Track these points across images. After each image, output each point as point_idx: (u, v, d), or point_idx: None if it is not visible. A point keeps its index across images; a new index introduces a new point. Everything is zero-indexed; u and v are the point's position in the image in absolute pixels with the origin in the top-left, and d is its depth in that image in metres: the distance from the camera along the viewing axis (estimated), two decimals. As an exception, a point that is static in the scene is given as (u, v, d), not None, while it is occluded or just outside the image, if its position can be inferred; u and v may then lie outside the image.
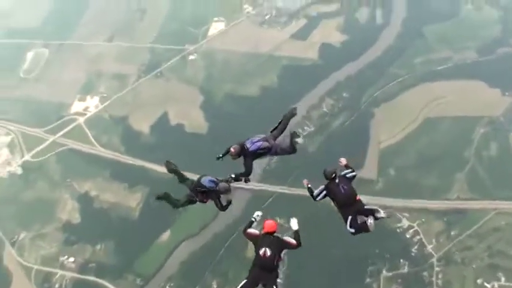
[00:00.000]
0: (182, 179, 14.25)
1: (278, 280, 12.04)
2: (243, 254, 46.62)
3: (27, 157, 59.13)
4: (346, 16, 61.72)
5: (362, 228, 13.05)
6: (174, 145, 53.16)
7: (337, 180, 13.17)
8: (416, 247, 46.58)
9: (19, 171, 58.35)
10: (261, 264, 11.96)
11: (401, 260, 46.08)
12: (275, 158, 47.90)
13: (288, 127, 15.01)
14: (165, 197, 14.14)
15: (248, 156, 13.71)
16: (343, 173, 13.70)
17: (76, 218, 53.45)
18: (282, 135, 14.70)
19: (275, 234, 12.49)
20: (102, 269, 49.92)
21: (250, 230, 12.90)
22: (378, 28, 61.79)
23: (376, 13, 63.26)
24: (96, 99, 62.11)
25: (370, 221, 12.87)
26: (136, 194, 53.00)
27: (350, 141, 52.45)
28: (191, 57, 62.91)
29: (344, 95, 56.12)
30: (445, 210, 47.82)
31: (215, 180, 13.56)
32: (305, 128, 54.04)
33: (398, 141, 52.62)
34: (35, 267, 51.42)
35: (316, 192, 13.55)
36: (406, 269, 45.64)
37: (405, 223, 47.77)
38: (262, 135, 13.96)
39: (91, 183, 54.51)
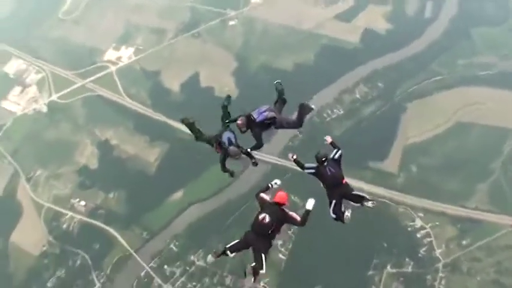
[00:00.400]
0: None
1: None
2: (248, 223, 46.69)
3: (54, 97, 59.79)
4: (394, 5, 61.49)
5: (340, 218, 13.58)
6: (200, 107, 51.96)
7: (325, 163, 13.50)
8: (424, 249, 45.80)
9: (44, 109, 59.07)
10: (256, 228, 12.20)
11: (407, 259, 45.39)
12: (300, 135, 48.16)
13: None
14: (190, 124, 14.21)
15: (256, 127, 13.78)
16: (331, 155, 13.96)
17: (93, 164, 53.95)
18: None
19: (283, 207, 12.67)
20: (111, 217, 50.45)
21: (263, 195, 12.99)
22: (425, 22, 59.98)
23: (425, 6, 61.45)
24: (131, 50, 62.13)
25: (347, 213, 13.43)
26: (156, 149, 53.16)
27: (377, 131, 51.69)
28: (231, 22, 61.62)
29: (379, 84, 54.83)
30: (461, 218, 46.77)
31: (232, 140, 13.64)
32: (334, 110, 53.33)
33: (425, 140, 51.26)
34: (46, 205, 52.20)
35: (307, 165, 13.97)
36: (410, 269, 44.98)
37: (418, 223, 46.96)
38: (267, 106, 14.07)
39: (113, 132, 54.80)
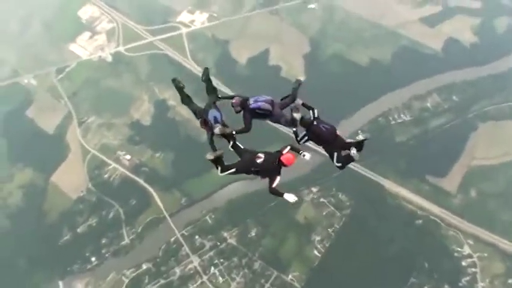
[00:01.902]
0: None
1: None
2: (292, 214, 46.52)
3: (121, 48, 60.09)
4: (484, 18, 57.85)
5: (348, 160, 13.33)
6: (264, 84, 51.33)
7: (315, 123, 13.43)
8: (467, 279, 43.71)
9: (109, 59, 59.50)
10: (245, 158, 12.71)
11: (446, 286, 43.45)
12: (361, 133, 46.28)
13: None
14: (179, 87, 14.10)
15: (247, 111, 13.63)
16: (312, 115, 13.76)
17: (146, 120, 53.99)
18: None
19: (283, 166, 12.55)
20: (153, 176, 50.38)
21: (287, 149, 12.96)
22: (513, 42, 56.45)
23: (516, 26, 57.90)
24: (205, 16, 61.74)
25: (353, 151, 13.08)
26: (211, 117, 51.40)
27: (442, 145, 49.53)
28: (311, 5, 60.25)
29: (454, 97, 52.48)
30: (512, 254, 43.78)
31: (218, 119, 13.34)
32: (401, 115, 51.37)
33: (492, 165, 48.67)
34: (93, 152, 52.74)
35: (300, 136, 13.72)
36: None
37: (466, 250, 44.73)
38: (269, 98, 13.82)
39: (172, 93, 53.87)
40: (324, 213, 46.66)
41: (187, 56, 57.60)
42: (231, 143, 13.37)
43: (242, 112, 13.64)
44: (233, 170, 12.64)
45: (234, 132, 13.45)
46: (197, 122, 13.89)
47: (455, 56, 55.07)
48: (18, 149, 53.99)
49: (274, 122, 14.19)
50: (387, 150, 48.81)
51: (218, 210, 47.40)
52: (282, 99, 14.01)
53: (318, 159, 46.61)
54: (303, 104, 13.91)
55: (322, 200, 47.26)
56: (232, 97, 13.83)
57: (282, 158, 12.29)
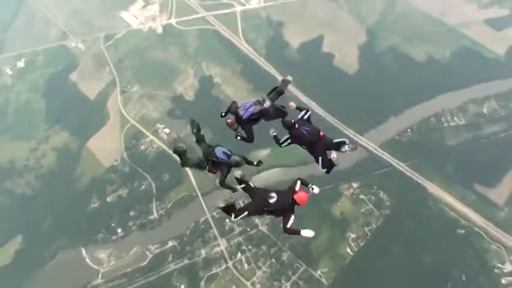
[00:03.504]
0: (200, 140, 14.36)
1: None
2: (328, 207, 45.17)
3: (172, 21, 59.49)
4: (557, 28, 55.22)
5: (331, 165, 13.25)
6: (315, 71, 50.94)
7: (296, 126, 13.43)
8: None
9: (159, 30, 59.04)
10: (258, 198, 12.54)
11: None
12: (409, 132, 45.38)
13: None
14: (180, 153, 14.05)
15: (244, 123, 13.97)
16: (299, 116, 13.94)
17: (190, 96, 53.29)
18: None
19: (296, 205, 12.30)
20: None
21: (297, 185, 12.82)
22: None
23: None
24: (262, -5, 60.33)
25: (332, 155, 13.04)
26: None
27: (494, 154, 46.89)
28: (373, -5, 58.17)
29: None
30: (555, 277, 41.87)
31: (228, 153, 13.59)
32: (455, 118, 48.91)
33: (544, 180, 46.06)
34: (132, 122, 52.30)
35: (282, 139, 13.90)
36: None
37: (508, 267, 42.11)
38: (253, 101, 14.11)
39: (219, 70, 53.97)
40: (362, 211, 44.99)
41: (239, 34, 56.52)
42: (243, 185, 13.16)
43: (240, 128, 14.03)
44: (246, 213, 12.51)
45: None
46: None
47: (518, 63, 52.31)
48: (57, 111, 54.23)
49: (269, 120, 14.29)
50: (435, 153, 46.82)
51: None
52: (268, 94, 14.27)
53: (361, 153, 45.15)
54: (297, 108, 14.20)
55: (362, 196, 45.62)
56: (230, 107, 14.59)
57: (295, 197, 12.07)
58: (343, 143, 13.22)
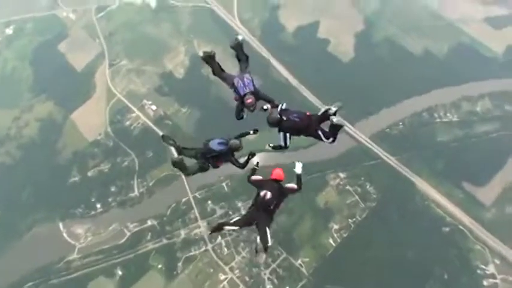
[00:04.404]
0: (181, 151, 13.82)
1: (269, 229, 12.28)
2: (313, 196, 44.97)
3: None
4: (556, 30, 54.75)
5: (335, 130, 12.83)
6: (309, 56, 50.44)
7: (284, 118, 12.97)
8: None
9: (153, 4, 57.71)
10: (259, 205, 12.49)
11: None
12: (401, 125, 45.72)
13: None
14: (178, 163, 13.28)
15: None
16: (279, 109, 13.42)
17: (179, 73, 52.28)
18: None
19: (280, 182, 12.93)
20: (176, 131, 48.16)
21: (254, 177, 13.36)
22: None
23: None
24: (256, -22, 59.33)
25: (334, 119, 12.59)
26: (246, 81, 49.21)
27: (485, 154, 46.42)
28: (371, -16, 57.69)
29: (506, 107, 49.10)
30: (540, 284, 41.59)
31: (223, 141, 13.30)
32: (448, 114, 48.43)
33: (535, 185, 45.66)
34: (118, 95, 51.30)
35: (282, 143, 13.40)
36: None
37: (490, 269, 41.65)
38: (236, 96, 13.73)
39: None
40: (347, 202, 44.27)
41: (234, 14, 55.46)
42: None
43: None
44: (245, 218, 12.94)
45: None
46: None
47: (516, 64, 51.84)
48: (43, 81, 53.08)
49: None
50: (426, 148, 46.31)
51: (236, 178, 44.87)
52: (240, 68, 14.00)
53: (350, 144, 44.56)
54: (272, 106, 13.68)
55: (348, 187, 44.85)
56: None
57: (274, 178, 12.94)
58: (327, 110, 12.89)
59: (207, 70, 46.22)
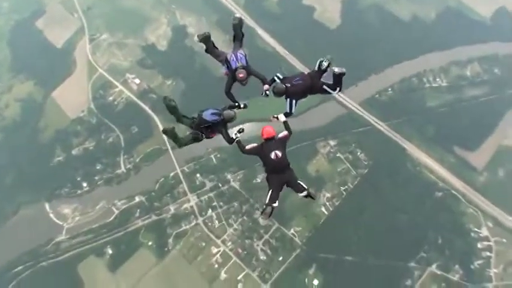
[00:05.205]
0: (180, 119, 13.69)
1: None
2: (304, 164, 44.64)
3: None
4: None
5: (338, 78, 12.92)
6: (295, 24, 49.49)
7: (288, 85, 13.06)
8: (480, 262, 40.88)
9: None
10: (275, 167, 12.56)
11: (457, 266, 40.66)
12: (390, 91, 45.69)
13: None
14: (171, 134, 13.33)
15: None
16: (278, 80, 13.46)
17: (162, 45, 51.08)
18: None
19: (274, 138, 13.01)
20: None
21: (248, 146, 13.27)
22: None
23: None
24: None
25: (335, 69, 12.74)
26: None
27: (475, 118, 46.38)
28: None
29: (495, 70, 48.94)
30: (533, 243, 41.61)
31: (217, 111, 13.26)
32: (437, 79, 48.11)
33: (525, 146, 45.72)
34: (100, 71, 49.94)
35: (287, 106, 13.40)
36: (456, 277, 40.24)
37: (484, 232, 41.95)
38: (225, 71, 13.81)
39: (194, 19, 52.01)
40: (339, 170, 43.86)
41: (218, -18, 54.04)
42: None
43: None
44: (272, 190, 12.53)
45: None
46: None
47: (504, 28, 51.58)
48: (22, 60, 51.62)
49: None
50: (416, 113, 46.04)
51: (224, 150, 44.32)
52: (234, 42, 13.67)
53: (340, 110, 44.08)
54: (265, 83, 13.64)
55: (338, 155, 44.46)
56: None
57: (268, 137, 12.86)
58: (321, 62, 13.00)
59: (190, 40, 45.64)
